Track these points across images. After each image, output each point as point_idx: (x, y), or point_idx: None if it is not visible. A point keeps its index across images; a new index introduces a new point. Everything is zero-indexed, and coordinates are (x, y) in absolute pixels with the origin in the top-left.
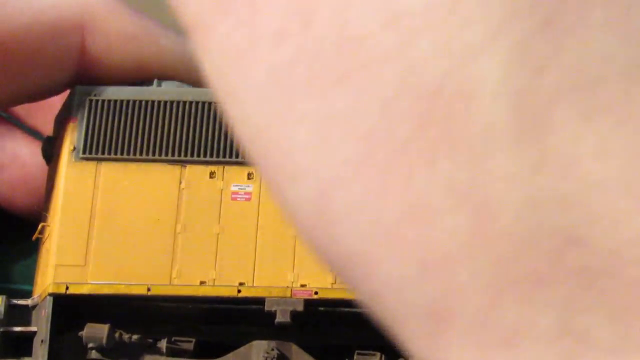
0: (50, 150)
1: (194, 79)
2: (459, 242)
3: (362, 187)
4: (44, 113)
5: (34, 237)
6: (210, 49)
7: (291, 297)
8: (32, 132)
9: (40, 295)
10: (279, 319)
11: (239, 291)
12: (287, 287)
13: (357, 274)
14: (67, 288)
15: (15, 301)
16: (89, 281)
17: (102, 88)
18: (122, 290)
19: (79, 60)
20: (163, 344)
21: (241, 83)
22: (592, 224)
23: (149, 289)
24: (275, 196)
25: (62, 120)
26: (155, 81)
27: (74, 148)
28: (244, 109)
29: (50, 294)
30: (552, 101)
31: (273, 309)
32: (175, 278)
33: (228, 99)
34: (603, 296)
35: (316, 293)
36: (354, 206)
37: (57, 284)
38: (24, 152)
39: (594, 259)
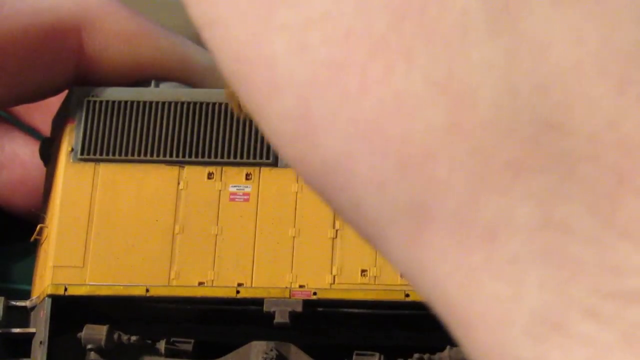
0: (48, 152)
1: (192, 80)
2: (438, 136)
3: (341, 88)
4: (42, 112)
5: (31, 239)
6: None
7: (290, 297)
8: (32, 132)
9: (38, 297)
10: (277, 319)
11: (238, 292)
12: (286, 287)
13: (338, 181)
14: (65, 289)
15: (13, 302)
16: (87, 282)
17: (100, 89)
18: (121, 291)
19: (76, 61)
20: (162, 345)
21: (224, 5)
22: (569, 108)
23: (147, 290)
24: (258, 119)
25: (59, 122)
26: (152, 82)
27: (72, 149)
28: (227, 32)
29: (48, 295)
30: None
31: (272, 309)
32: (173, 279)
33: (212, 26)
34: (583, 183)
35: (315, 294)
36: (333, 108)
37: (56, 285)
38: (24, 152)
39: (573, 144)
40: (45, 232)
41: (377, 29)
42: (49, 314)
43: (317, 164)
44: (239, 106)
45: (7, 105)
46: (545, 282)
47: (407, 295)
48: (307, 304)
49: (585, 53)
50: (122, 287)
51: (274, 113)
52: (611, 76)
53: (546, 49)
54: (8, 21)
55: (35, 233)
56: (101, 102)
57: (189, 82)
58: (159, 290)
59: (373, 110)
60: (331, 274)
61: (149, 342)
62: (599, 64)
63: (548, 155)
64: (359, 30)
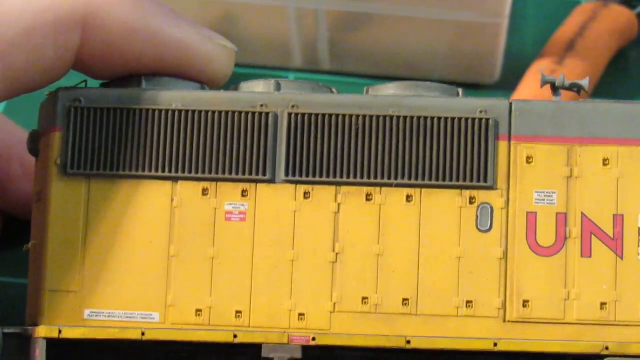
0: (37, 146)
1: (192, 72)
2: None
3: None
4: None
5: (24, 249)
6: None
7: (288, 343)
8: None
9: (33, 329)
10: None
11: (235, 336)
12: (284, 332)
13: None
14: (60, 332)
15: (7, 330)
16: (81, 324)
17: (86, 91)
18: (116, 335)
19: (76, 55)
20: None
21: None
22: None
23: (143, 334)
24: None
25: (45, 130)
26: (143, 79)
27: (60, 162)
28: None
29: (43, 338)
30: None
31: (270, 355)
32: (170, 306)
33: None
34: None
35: (314, 339)
36: None
37: (50, 328)
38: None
39: None
40: (37, 249)
41: None
42: (44, 357)
43: None
44: None
45: (5, 98)
46: None
47: (409, 342)
48: (307, 349)
49: None
50: (117, 330)
51: None
52: None
53: None
54: (12, 19)
55: (27, 246)
56: (89, 109)
57: (189, 75)
58: (155, 334)
59: None
60: (331, 301)
61: None
62: None
63: None
64: None
